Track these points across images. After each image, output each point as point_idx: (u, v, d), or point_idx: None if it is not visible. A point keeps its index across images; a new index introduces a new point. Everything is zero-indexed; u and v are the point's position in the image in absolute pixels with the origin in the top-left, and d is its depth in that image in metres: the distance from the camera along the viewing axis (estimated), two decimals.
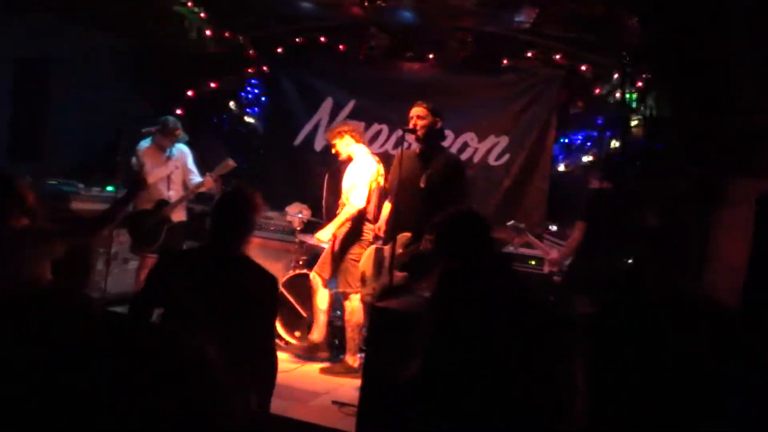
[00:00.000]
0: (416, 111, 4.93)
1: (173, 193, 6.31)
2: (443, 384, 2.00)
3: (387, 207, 5.30)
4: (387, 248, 4.67)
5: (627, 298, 1.17)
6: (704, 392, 1.03)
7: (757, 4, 4.68)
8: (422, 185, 4.83)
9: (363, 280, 5.15)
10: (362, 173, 5.65)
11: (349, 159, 5.84)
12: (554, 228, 7.15)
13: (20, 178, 3.46)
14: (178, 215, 6.41)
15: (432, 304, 2.29)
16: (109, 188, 6.57)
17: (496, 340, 2.03)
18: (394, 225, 4.68)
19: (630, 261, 5.96)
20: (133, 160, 6.50)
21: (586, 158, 7.06)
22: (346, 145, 5.79)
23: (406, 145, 4.92)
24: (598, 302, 1.21)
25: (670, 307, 1.12)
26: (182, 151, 6.48)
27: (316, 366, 5.83)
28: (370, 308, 5.06)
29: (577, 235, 5.80)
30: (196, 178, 6.44)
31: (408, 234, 4.76)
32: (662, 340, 1.07)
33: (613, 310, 1.17)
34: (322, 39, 7.81)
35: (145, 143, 6.36)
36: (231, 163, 6.37)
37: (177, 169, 6.37)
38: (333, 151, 5.91)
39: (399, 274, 4.68)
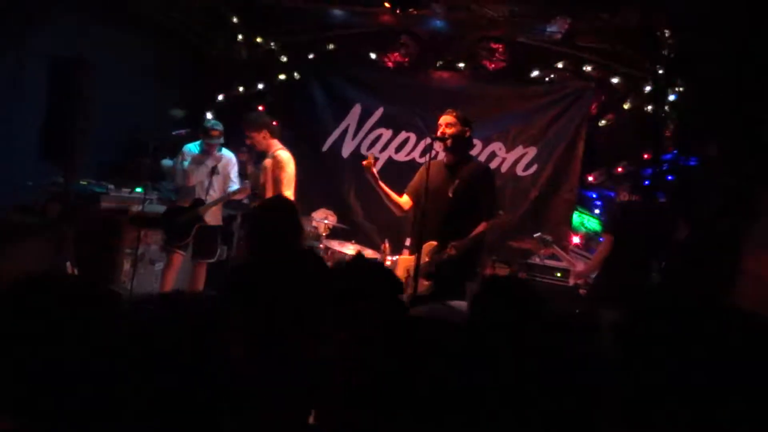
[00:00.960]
0: (445, 119, 4.88)
1: (210, 199, 6.36)
2: (473, 387, 1.99)
3: (404, 198, 5.22)
4: (413, 258, 4.64)
5: (661, 306, 1.15)
6: (741, 402, 1.01)
7: None
8: (450, 195, 4.79)
9: None
10: (289, 167, 6.01)
11: (265, 151, 6.15)
12: (579, 240, 7.10)
13: None
14: (214, 219, 6.45)
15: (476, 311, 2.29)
16: (138, 189, 6.64)
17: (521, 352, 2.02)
18: (421, 234, 4.64)
19: (656, 274, 5.88)
20: (165, 162, 6.59)
21: (615, 171, 7.00)
22: (263, 138, 6.15)
23: (433, 153, 4.89)
24: (632, 311, 1.19)
25: (705, 316, 1.10)
26: (227, 158, 6.54)
27: None
28: None
29: (604, 247, 5.75)
30: (235, 186, 6.49)
31: (434, 243, 4.73)
32: (700, 348, 1.05)
33: (648, 319, 1.15)
34: (353, 46, 7.83)
35: (192, 146, 6.45)
36: None
37: (218, 175, 6.39)
38: (248, 141, 6.20)
39: (425, 283, 4.65)
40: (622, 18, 6.12)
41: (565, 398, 1.87)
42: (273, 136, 6.22)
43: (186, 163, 6.42)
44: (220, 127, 6.42)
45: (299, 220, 3.56)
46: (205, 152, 6.40)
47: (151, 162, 6.67)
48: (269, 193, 6.06)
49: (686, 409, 1.01)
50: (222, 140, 6.46)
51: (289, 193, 5.94)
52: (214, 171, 6.32)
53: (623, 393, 1.10)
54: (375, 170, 4.95)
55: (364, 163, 4.93)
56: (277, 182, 6.01)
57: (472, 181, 4.82)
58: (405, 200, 5.10)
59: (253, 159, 6.92)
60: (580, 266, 6.13)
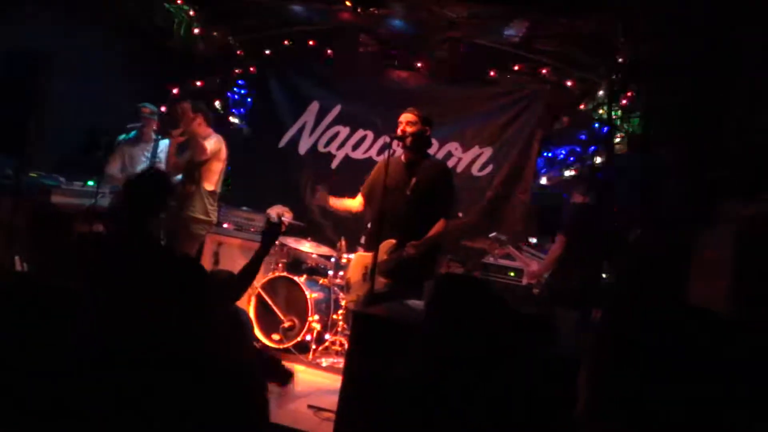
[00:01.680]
0: (406, 117, 4.88)
1: None
2: (431, 386, 2.01)
3: (354, 201, 5.25)
4: (371, 255, 4.65)
5: (629, 306, 1.19)
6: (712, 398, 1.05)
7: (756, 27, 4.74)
8: (408, 193, 4.81)
9: (347, 287, 5.13)
10: (221, 156, 6.14)
11: (194, 135, 6.02)
12: (534, 241, 7.20)
13: None
14: None
15: (432, 307, 2.30)
16: (90, 183, 6.50)
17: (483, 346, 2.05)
18: (379, 232, 4.66)
19: (608, 275, 6.00)
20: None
21: (568, 173, 7.12)
22: (198, 125, 6.05)
23: (391, 151, 4.91)
24: (605, 309, 1.23)
25: (672, 315, 1.14)
26: (165, 145, 6.45)
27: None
28: (351, 315, 5.06)
29: (557, 248, 5.86)
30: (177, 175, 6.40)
31: (393, 241, 4.75)
32: (673, 348, 1.09)
33: (619, 319, 1.18)
34: (311, 42, 7.81)
35: (127, 136, 6.38)
36: None
37: (161, 163, 6.30)
38: (181, 123, 6.05)
39: (382, 281, 4.67)
40: (578, 23, 6.22)
41: (521, 397, 1.90)
42: (208, 124, 6.17)
43: (121, 154, 6.32)
44: (150, 106, 6.37)
45: (166, 197, 3.57)
46: (141, 138, 6.31)
47: (105, 155, 6.56)
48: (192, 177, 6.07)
49: (665, 404, 1.05)
50: (154, 117, 6.37)
51: (210, 182, 6.01)
52: (153, 158, 6.24)
53: (591, 392, 1.13)
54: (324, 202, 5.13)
55: (318, 196, 5.06)
56: (200, 165, 6.02)
57: (430, 179, 4.85)
58: (357, 202, 5.14)
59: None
60: (533, 266, 6.22)
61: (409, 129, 4.83)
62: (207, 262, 6.46)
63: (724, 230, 4.22)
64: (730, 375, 1.05)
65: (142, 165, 6.29)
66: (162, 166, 6.31)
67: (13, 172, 5.39)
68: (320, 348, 6.22)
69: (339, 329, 6.27)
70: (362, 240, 5.54)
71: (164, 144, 6.44)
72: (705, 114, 5.03)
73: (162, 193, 3.57)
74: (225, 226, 7.09)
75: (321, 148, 7.83)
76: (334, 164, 7.78)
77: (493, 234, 6.42)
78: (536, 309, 5.67)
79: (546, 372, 1.85)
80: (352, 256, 5.83)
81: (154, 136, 6.42)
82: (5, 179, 5.60)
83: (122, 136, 6.44)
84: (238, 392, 1.39)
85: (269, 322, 6.27)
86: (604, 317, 1.20)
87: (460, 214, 5.01)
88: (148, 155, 6.32)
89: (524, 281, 6.27)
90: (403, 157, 5.03)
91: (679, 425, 1.04)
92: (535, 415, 1.74)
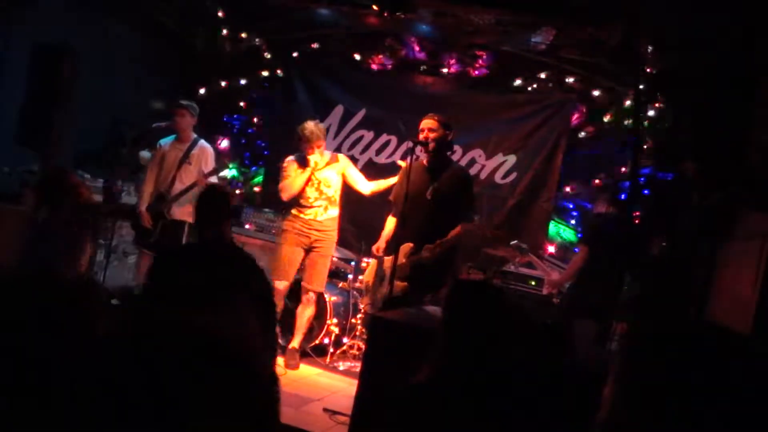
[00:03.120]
0: (428, 123, 4.90)
1: (175, 192, 6.04)
2: (452, 390, 1.99)
3: (391, 221, 5.25)
4: (389, 259, 4.65)
5: (663, 320, 1.18)
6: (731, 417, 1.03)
7: None
8: (429, 197, 4.82)
9: (366, 290, 5.14)
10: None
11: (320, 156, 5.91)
12: (555, 250, 7.14)
13: (73, 173, 3.63)
14: (183, 214, 6.01)
15: (447, 314, 2.29)
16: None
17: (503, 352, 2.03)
18: (399, 236, 4.66)
19: (630, 288, 5.93)
20: (143, 153, 6.48)
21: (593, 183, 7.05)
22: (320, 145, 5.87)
23: (414, 156, 4.91)
24: (636, 323, 1.22)
25: (696, 332, 1.12)
26: (203, 147, 6.25)
27: (309, 371, 5.82)
28: (368, 318, 5.06)
29: (579, 258, 5.80)
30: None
31: (411, 244, 4.74)
32: (700, 365, 1.07)
33: (649, 331, 1.16)
34: (338, 46, 7.83)
35: (167, 140, 6.23)
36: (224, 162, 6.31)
37: (190, 165, 6.09)
38: (310, 152, 5.82)
39: (400, 284, 4.67)
40: (605, 32, 6.17)
41: (536, 405, 1.88)
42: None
43: (157, 156, 6.15)
44: (185, 102, 6.15)
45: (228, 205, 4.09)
46: (178, 138, 6.13)
47: (129, 153, 6.59)
48: (339, 192, 6.09)
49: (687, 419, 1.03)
50: (189, 119, 6.15)
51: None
52: (183, 159, 6.06)
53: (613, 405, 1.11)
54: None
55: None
56: (350, 177, 6.04)
57: (451, 184, 4.86)
58: (392, 221, 5.16)
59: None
60: (554, 276, 6.17)
61: (431, 135, 4.85)
62: None
63: (750, 245, 4.16)
64: (750, 395, 1.03)
65: (174, 165, 6.08)
66: (192, 169, 6.12)
67: (38, 168, 5.44)
68: (338, 351, 6.22)
69: (357, 333, 6.26)
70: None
71: (201, 144, 6.23)
72: (729, 127, 4.97)
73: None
74: (247, 227, 7.13)
75: (345, 152, 7.82)
76: (357, 168, 7.77)
77: (515, 242, 6.37)
78: (554, 319, 5.62)
79: (561, 381, 1.82)
80: (372, 260, 5.82)
81: (193, 136, 6.18)
82: (31, 174, 5.66)
83: (163, 141, 6.28)
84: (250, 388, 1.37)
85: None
86: (630, 331, 1.19)
87: (476, 217, 4.98)
88: (181, 156, 6.15)
89: (545, 291, 6.22)
90: (425, 161, 5.04)
91: None
92: (549, 424, 1.71)
